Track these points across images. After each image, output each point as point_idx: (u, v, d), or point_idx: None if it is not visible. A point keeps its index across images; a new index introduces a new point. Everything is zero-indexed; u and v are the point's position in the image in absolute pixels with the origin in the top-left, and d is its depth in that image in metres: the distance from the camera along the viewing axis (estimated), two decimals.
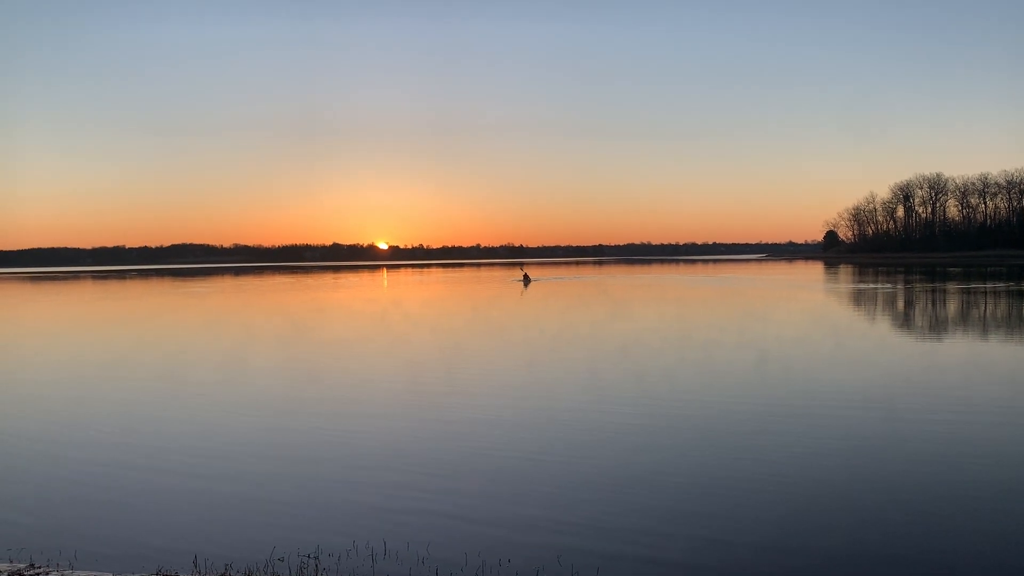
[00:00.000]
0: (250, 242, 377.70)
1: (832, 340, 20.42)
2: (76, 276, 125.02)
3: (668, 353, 18.51)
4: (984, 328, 24.14)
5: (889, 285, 49.91)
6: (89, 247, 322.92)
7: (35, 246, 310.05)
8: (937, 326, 25.15)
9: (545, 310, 34.77)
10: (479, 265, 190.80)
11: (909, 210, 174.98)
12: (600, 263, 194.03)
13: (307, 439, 10.54)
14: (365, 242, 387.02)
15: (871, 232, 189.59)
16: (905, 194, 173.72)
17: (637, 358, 17.50)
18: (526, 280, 65.47)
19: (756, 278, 68.86)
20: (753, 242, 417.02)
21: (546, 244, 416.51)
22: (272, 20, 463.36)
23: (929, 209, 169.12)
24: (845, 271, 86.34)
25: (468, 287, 60.11)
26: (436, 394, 13.63)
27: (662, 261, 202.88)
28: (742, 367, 15.82)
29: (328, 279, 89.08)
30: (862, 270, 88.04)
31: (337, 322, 30.68)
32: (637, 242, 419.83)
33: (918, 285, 50.25)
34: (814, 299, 39.22)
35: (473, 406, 12.41)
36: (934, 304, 34.86)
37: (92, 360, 20.07)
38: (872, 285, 50.14)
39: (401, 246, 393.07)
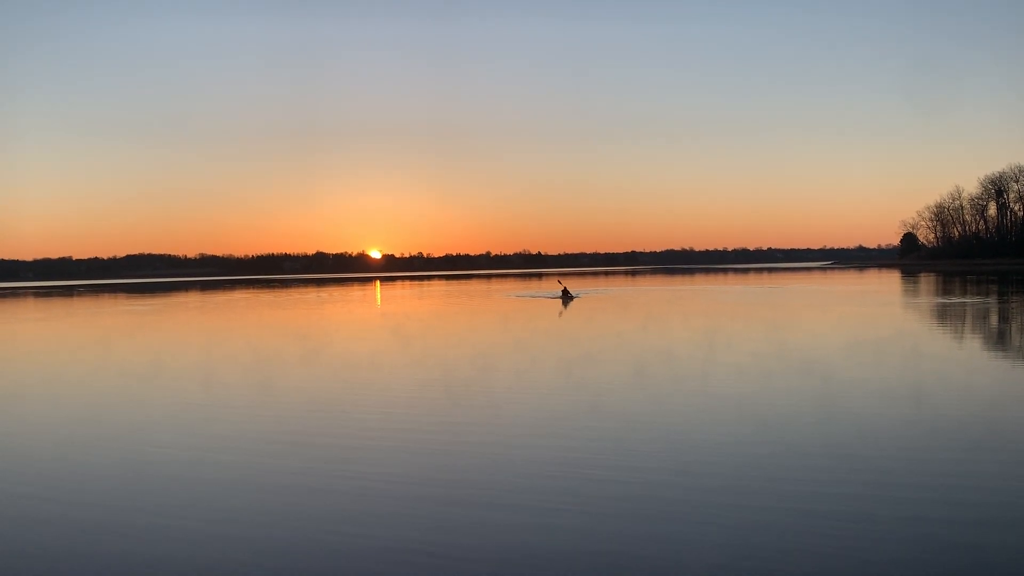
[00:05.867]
0: (219, 251, 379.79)
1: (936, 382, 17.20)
2: (13, 293, 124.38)
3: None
4: None
5: (980, 299, 46.49)
6: (30, 259, 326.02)
7: None
8: None
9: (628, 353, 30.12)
10: (489, 276, 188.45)
11: (1003, 207, 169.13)
12: (634, 273, 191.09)
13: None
14: (355, 251, 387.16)
15: (957, 234, 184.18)
16: (998, 188, 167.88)
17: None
18: (566, 297, 60.23)
19: (838, 289, 65.42)
20: (816, 247, 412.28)
21: (568, 251, 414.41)
22: (259, 18, 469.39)
23: None
24: (927, 281, 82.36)
25: (478, 307, 56.97)
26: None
27: (707, 270, 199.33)
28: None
29: (306, 294, 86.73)
30: (947, 279, 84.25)
31: (292, 371, 24.81)
32: (677, 248, 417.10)
33: (1015, 299, 46.77)
34: (914, 324, 36.05)
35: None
36: None
37: None
38: (960, 299, 46.77)
39: (397, 255, 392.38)
